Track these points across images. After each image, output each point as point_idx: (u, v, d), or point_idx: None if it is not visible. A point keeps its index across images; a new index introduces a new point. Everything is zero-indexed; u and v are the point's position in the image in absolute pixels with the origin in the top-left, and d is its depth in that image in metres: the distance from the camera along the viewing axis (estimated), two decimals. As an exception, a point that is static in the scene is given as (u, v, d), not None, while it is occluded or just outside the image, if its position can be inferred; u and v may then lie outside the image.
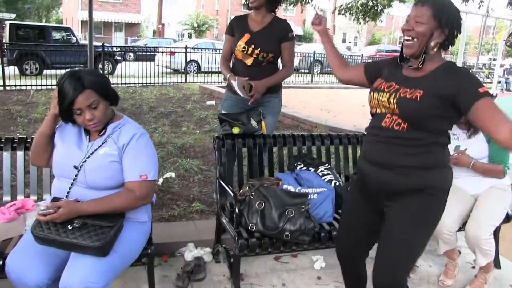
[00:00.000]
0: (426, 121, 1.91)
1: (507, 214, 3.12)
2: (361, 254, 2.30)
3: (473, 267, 3.21)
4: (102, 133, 2.16)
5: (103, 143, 2.13)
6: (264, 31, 3.35)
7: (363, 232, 2.20)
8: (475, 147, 3.07)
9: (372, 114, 2.11)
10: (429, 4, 1.92)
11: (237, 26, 3.44)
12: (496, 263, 3.30)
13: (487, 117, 1.78)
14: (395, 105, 1.94)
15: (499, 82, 19.44)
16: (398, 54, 2.09)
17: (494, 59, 14.18)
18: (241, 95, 3.25)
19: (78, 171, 2.09)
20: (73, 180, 2.10)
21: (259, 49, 3.30)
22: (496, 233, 3.21)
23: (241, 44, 3.33)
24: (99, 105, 2.06)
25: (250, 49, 3.31)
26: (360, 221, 2.19)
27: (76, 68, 2.22)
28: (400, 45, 2.13)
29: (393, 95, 1.96)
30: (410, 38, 1.94)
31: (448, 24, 1.92)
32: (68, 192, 2.10)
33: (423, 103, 1.88)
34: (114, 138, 2.14)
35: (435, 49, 1.96)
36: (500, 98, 15.56)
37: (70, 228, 1.94)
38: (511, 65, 26.42)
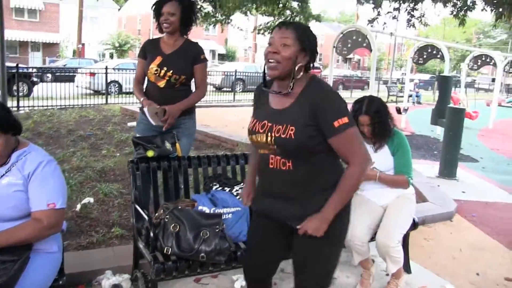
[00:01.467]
0: (310, 152, 1.94)
1: (414, 221, 3.32)
2: (270, 274, 2.34)
3: (387, 275, 3.35)
4: (5, 161, 2.09)
5: (6, 172, 2.06)
6: (176, 54, 3.39)
7: (272, 253, 2.24)
8: (382, 160, 3.24)
9: (259, 154, 2.11)
10: (293, 27, 1.93)
11: (149, 49, 3.46)
12: (407, 269, 3.48)
13: (341, 151, 1.94)
14: (275, 146, 1.94)
15: (410, 95, 20.57)
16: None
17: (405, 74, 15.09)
18: (153, 123, 3.25)
19: None
20: None
21: (171, 71, 3.33)
22: (405, 240, 3.40)
23: (153, 66, 3.36)
24: None
25: (163, 71, 3.34)
26: (269, 243, 2.21)
27: None
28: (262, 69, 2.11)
29: (269, 135, 1.95)
30: (274, 61, 1.91)
31: (310, 47, 1.96)
32: None
33: (298, 139, 1.89)
34: (19, 166, 2.07)
35: (301, 73, 1.96)
36: (411, 110, 16.43)
37: None
38: (420, 80, 28.04)
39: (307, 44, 1.95)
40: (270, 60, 1.93)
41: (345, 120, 1.88)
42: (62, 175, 2.20)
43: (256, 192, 2.23)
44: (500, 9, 5.44)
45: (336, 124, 1.87)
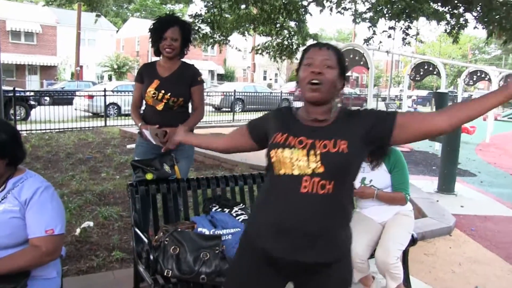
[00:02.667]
0: (353, 173, 1.79)
1: (413, 237, 3.34)
2: None
3: (387, 291, 3.35)
4: (1, 189, 2.09)
5: (2, 200, 2.05)
6: (173, 76, 3.44)
7: None
8: (379, 178, 3.28)
9: (275, 176, 1.79)
10: (333, 49, 1.82)
11: (146, 73, 3.51)
12: (407, 284, 3.48)
13: (418, 120, 1.73)
14: (319, 163, 1.68)
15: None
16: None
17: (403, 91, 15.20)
18: (154, 142, 3.28)
19: None
20: None
21: (169, 94, 3.37)
22: (405, 256, 3.41)
23: (151, 90, 3.40)
24: None
25: (160, 94, 3.38)
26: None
27: None
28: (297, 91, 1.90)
29: (312, 151, 1.71)
30: (318, 81, 1.75)
31: (345, 72, 1.85)
32: None
33: (352, 153, 1.70)
34: (15, 193, 2.07)
35: (337, 98, 1.84)
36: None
37: None
38: (418, 96, 28.20)
39: (345, 69, 1.85)
40: (313, 81, 1.75)
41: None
42: (60, 201, 2.20)
43: (258, 229, 1.85)
44: (491, 27, 5.54)
45: (390, 112, 1.79)
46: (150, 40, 3.47)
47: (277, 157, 1.75)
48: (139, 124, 3.42)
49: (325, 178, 1.69)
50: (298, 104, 1.97)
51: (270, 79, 52.11)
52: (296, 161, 1.71)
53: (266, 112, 2.08)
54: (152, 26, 3.44)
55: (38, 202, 2.07)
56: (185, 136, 2.49)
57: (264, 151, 1.88)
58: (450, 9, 6.48)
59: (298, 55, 11.01)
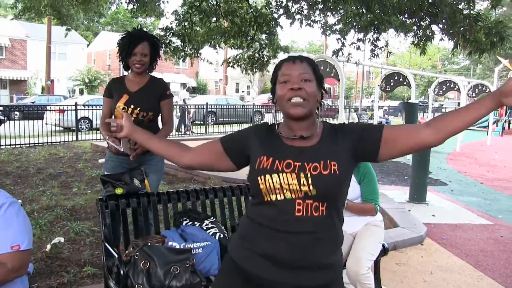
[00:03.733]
0: (345, 192, 1.74)
1: (384, 247, 3.37)
2: None
3: (359, 302, 3.37)
4: None
5: None
6: (142, 91, 3.43)
7: None
8: (349, 188, 3.31)
9: (265, 202, 1.70)
10: (307, 61, 1.77)
11: (114, 88, 3.49)
12: (379, 295, 3.52)
13: (405, 134, 1.67)
14: (310, 186, 1.62)
15: (380, 122, 20.95)
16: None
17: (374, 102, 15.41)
18: (122, 149, 3.24)
19: None
20: None
21: (138, 108, 3.37)
22: (376, 266, 3.44)
23: (120, 105, 3.38)
24: None
25: (130, 109, 3.37)
26: None
27: None
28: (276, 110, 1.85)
29: (302, 174, 1.64)
30: (300, 98, 1.69)
31: (322, 83, 1.80)
32: None
33: (342, 174, 1.66)
34: None
35: (318, 110, 1.79)
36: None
37: None
38: (389, 107, 28.61)
39: (321, 79, 1.79)
40: (293, 99, 1.69)
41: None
42: (26, 216, 2.18)
43: (251, 256, 1.73)
44: (456, 39, 5.69)
45: (377, 126, 1.74)
46: (119, 55, 3.44)
47: (267, 184, 1.67)
48: (107, 137, 3.38)
49: (318, 200, 1.64)
50: (270, 116, 1.94)
51: (243, 92, 52.25)
52: (287, 185, 1.64)
53: (240, 130, 1.95)
54: (120, 41, 3.41)
55: (3, 218, 2.04)
56: (132, 131, 2.06)
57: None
58: (416, 21, 6.62)
59: (270, 67, 11.08)
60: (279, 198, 1.65)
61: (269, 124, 1.88)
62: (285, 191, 1.64)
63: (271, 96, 1.88)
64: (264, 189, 1.67)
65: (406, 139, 1.66)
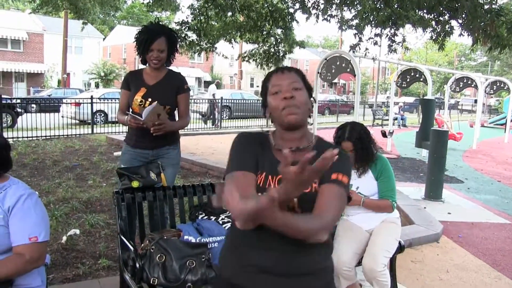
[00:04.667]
0: None
1: (400, 244, 3.34)
2: None
3: (375, 299, 3.35)
4: None
5: None
6: (160, 85, 3.43)
7: None
8: (366, 185, 3.29)
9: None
10: (294, 70, 1.79)
11: (132, 81, 3.49)
12: (395, 292, 3.49)
13: (320, 202, 1.60)
14: (296, 205, 1.61)
15: (396, 119, 20.83)
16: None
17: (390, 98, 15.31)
18: (143, 117, 3.22)
19: None
20: None
21: (156, 102, 3.36)
22: (392, 263, 3.41)
23: (137, 98, 3.38)
24: None
25: (147, 102, 3.36)
26: None
27: None
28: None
29: None
30: (294, 107, 1.69)
31: (311, 91, 1.80)
32: None
33: (317, 191, 1.64)
34: None
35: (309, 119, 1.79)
36: (397, 133, 16.61)
37: None
38: (405, 103, 28.41)
39: (310, 87, 1.80)
40: (287, 108, 1.68)
41: (345, 180, 1.65)
42: (44, 208, 2.18)
43: (239, 270, 1.71)
44: (476, 34, 5.60)
45: (334, 176, 1.63)
46: (136, 49, 3.44)
47: None
48: (128, 116, 3.35)
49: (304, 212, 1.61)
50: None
51: (257, 86, 52.16)
52: None
53: (236, 147, 1.77)
54: (138, 36, 3.39)
55: (21, 210, 2.05)
56: None
57: None
58: (435, 16, 6.54)
59: (285, 62, 11.06)
60: None
61: (256, 133, 1.82)
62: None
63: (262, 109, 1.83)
64: None
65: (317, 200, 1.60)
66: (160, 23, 3.61)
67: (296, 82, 1.73)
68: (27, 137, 12.06)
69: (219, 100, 18.38)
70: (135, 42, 3.42)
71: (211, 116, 18.19)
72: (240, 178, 1.65)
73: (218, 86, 22.47)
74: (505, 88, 16.82)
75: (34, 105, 19.78)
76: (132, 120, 3.28)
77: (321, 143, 1.79)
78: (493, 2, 5.45)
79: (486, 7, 5.40)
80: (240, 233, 1.66)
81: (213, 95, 19.26)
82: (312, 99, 1.81)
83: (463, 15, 5.65)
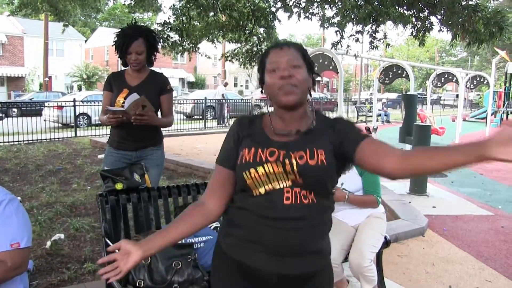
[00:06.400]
0: (334, 181, 1.66)
1: (386, 239, 3.36)
2: None
3: (362, 295, 3.37)
4: None
5: None
6: (142, 85, 3.41)
7: None
8: (350, 181, 3.30)
9: (253, 195, 1.61)
10: (295, 46, 1.68)
11: (114, 82, 3.47)
12: (382, 286, 3.50)
13: (376, 156, 1.55)
14: (297, 175, 1.55)
15: (379, 115, 20.97)
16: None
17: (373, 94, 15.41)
18: (125, 107, 3.19)
19: None
20: None
21: (143, 96, 3.34)
22: (379, 258, 3.44)
23: (120, 99, 3.36)
24: None
25: None
26: None
27: None
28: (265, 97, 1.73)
29: (287, 162, 1.56)
30: (291, 85, 1.60)
31: (312, 68, 1.71)
32: None
33: (331, 164, 1.58)
34: None
35: (308, 97, 1.69)
36: (381, 129, 16.70)
37: None
38: (388, 99, 28.62)
39: (311, 64, 1.71)
40: (285, 86, 1.60)
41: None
42: (25, 213, 2.15)
43: (237, 243, 1.67)
44: (454, 30, 5.68)
45: (362, 133, 1.64)
46: (116, 53, 3.42)
47: (253, 178, 1.58)
48: (108, 111, 3.31)
49: (305, 189, 1.57)
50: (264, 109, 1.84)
51: (241, 86, 52.20)
52: (273, 175, 1.56)
53: (225, 138, 1.77)
54: (115, 40, 3.37)
55: (2, 216, 2.02)
56: (145, 251, 1.63)
57: None
58: (415, 13, 6.61)
59: (268, 61, 11.07)
60: (267, 188, 1.58)
61: (253, 116, 1.77)
62: (272, 181, 1.57)
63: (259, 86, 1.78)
64: (252, 184, 1.59)
65: (372, 158, 1.56)
66: (138, 24, 3.58)
67: (295, 59, 1.62)
68: (9, 142, 11.92)
69: (228, 100, 19.08)
70: (114, 46, 3.40)
71: (221, 115, 19.05)
72: (215, 175, 1.72)
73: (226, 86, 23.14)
74: (484, 82, 17.01)
75: (15, 109, 19.53)
76: (111, 115, 3.25)
77: (320, 119, 1.70)
78: (470, -2, 5.53)
79: (463, 3, 5.49)
80: (238, 208, 1.66)
81: (222, 95, 19.84)
82: (314, 75, 1.73)
83: (442, 11, 5.72)
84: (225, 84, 23.02)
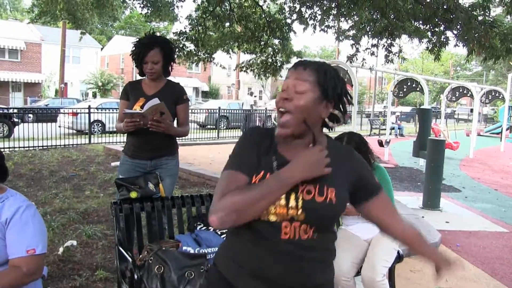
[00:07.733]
0: (337, 220, 1.68)
1: (398, 253, 3.34)
2: None
3: (373, 309, 3.34)
4: None
5: None
6: (159, 95, 3.43)
7: None
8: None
9: (251, 221, 1.47)
10: (312, 67, 1.50)
11: (131, 91, 3.50)
12: (393, 302, 3.48)
13: (385, 214, 1.63)
14: (299, 211, 1.45)
15: (393, 128, 20.87)
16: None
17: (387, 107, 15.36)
18: (142, 111, 3.20)
19: None
20: None
21: (162, 102, 3.36)
22: (391, 273, 3.41)
23: (136, 108, 3.38)
24: None
25: None
26: None
27: None
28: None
29: (292, 196, 1.45)
30: (284, 110, 1.48)
31: (335, 96, 1.52)
32: None
33: (340, 204, 1.50)
34: None
35: (319, 127, 1.56)
36: (394, 143, 16.63)
37: None
38: (402, 112, 28.49)
39: (331, 90, 1.50)
40: (280, 109, 1.50)
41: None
42: (41, 220, 2.16)
43: (233, 268, 1.58)
44: (470, 45, 5.66)
45: (377, 184, 1.62)
46: (133, 62, 3.46)
47: None
48: (124, 121, 3.32)
49: (305, 224, 1.47)
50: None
51: (255, 96, 52.28)
52: (273, 206, 1.45)
53: (240, 144, 1.62)
54: (133, 49, 3.42)
55: (19, 222, 2.04)
56: None
57: None
58: (431, 27, 6.60)
59: (283, 72, 11.11)
60: (264, 219, 1.46)
61: (266, 128, 1.65)
62: (270, 213, 1.45)
63: None
64: None
65: (380, 216, 1.65)
66: (155, 34, 3.62)
67: (301, 84, 1.47)
68: (24, 147, 12.04)
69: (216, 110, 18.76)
70: (131, 55, 3.45)
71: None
72: (231, 177, 1.51)
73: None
74: (500, 97, 16.92)
75: (31, 115, 19.73)
76: (129, 119, 3.27)
77: (332, 146, 1.57)
78: (487, 14, 5.51)
79: (480, 18, 5.47)
80: (238, 238, 1.56)
81: (251, 105, 20.57)
82: (327, 104, 1.53)
83: (458, 26, 5.71)
84: (251, 94, 23.53)
